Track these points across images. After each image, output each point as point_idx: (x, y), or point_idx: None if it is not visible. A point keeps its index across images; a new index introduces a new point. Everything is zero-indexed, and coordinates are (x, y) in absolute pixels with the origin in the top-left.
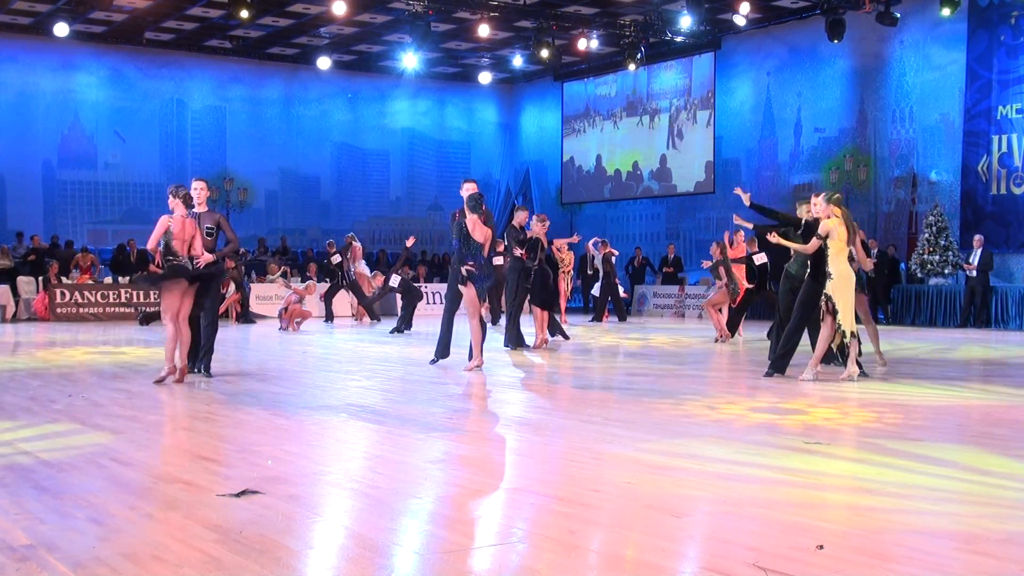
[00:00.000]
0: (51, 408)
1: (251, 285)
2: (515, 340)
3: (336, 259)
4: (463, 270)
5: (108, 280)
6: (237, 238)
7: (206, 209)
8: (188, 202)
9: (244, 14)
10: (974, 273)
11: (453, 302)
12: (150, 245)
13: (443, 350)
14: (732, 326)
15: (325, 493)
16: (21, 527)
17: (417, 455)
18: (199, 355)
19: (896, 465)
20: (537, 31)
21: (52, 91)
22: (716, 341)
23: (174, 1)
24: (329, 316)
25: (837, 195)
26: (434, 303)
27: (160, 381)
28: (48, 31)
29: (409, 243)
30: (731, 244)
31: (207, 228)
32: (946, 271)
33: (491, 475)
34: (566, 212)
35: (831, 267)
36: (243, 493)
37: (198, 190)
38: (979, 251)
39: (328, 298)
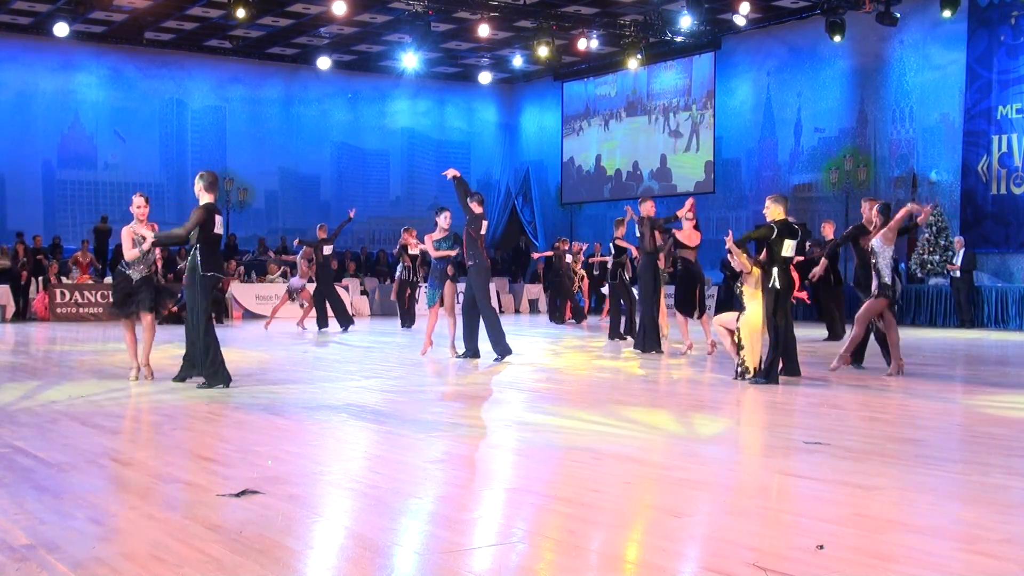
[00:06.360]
0: (51, 408)
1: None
2: (653, 344)
3: (417, 249)
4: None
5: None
6: (174, 237)
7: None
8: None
9: (241, 13)
10: (958, 274)
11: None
12: (131, 255)
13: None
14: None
15: (325, 493)
16: (21, 527)
17: (417, 455)
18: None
19: (896, 465)
20: (537, 31)
21: (52, 91)
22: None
23: (174, 1)
24: (408, 319)
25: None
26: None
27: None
28: (48, 31)
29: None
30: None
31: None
32: (946, 271)
33: (491, 475)
34: (566, 212)
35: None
36: (243, 493)
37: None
38: (961, 252)
39: (401, 296)
